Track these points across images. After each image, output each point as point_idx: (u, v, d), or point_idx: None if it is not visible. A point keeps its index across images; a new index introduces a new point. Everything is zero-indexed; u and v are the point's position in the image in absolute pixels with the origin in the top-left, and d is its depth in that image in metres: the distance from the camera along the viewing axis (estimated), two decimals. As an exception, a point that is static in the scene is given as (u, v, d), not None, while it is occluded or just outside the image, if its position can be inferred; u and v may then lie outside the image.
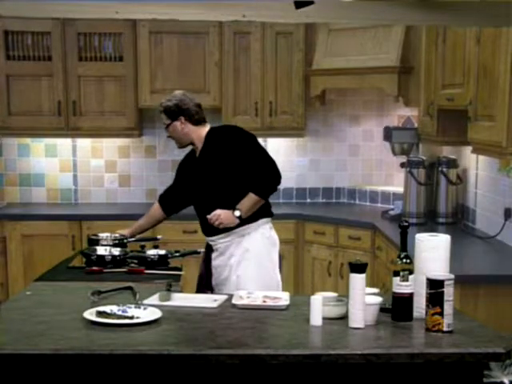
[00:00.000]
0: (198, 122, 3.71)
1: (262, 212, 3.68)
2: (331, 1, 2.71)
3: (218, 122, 5.65)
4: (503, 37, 3.34)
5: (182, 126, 3.68)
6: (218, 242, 3.68)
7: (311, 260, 5.31)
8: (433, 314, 2.41)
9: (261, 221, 3.68)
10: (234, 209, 3.57)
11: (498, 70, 3.43)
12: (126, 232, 3.89)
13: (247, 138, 3.66)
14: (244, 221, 3.60)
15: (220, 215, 3.57)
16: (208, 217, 3.59)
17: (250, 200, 3.59)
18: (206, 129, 3.73)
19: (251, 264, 3.62)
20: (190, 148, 3.85)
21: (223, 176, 3.61)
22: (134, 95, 5.47)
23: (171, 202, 3.94)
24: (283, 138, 5.78)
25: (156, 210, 3.98)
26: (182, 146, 3.81)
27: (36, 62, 5.39)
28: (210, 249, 3.76)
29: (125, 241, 3.79)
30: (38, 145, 5.80)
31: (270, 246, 3.72)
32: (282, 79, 5.54)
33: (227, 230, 3.62)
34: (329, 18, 2.98)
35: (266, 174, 3.62)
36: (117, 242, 3.75)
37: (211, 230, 3.66)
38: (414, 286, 2.53)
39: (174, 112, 3.67)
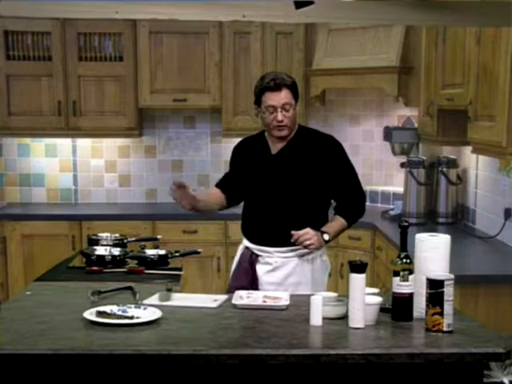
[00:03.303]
0: None
1: None
2: (331, 1, 2.72)
3: (218, 122, 5.69)
4: (503, 37, 3.34)
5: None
6: (275, 255, 3.27)
7: (311, 260, 5.30)
8: (433, 314, 2.41)
9: None
10: (321, 231, 3.20)
11: (497, 70, 3.43)
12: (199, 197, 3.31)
13: (346, 155, 3.32)
14: None
15: (314, 236, 3.15)
16: (297, 232, 3.13)
17: (340, 225, 3.28)
18: None
19: (309, 289, 3.20)
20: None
21: (308, 186, 3.22)
22: (133, 95, 5.47)
23: (232, 191, 3.42)
24: (283, 137, 5.77)
25: (217, 194, 3.45)
26: (286, 135, 3.23)
27: (36, 61, 5.39)
28: (250, 257, 3.36)
29: (125, 241, 3.79)
30: (38, 145, 5.80)
31: (324, 269, 3.39)
32: (282, 79, 5.53)
33: (291, 244, 3.19)
34: (329, 18, 2.98)
35: (360, 201, 3.33)
36: (117, 242, 3.75)
37: (270, 239, 3.27)
38: (414, 286, 2.53)
39: (297, 93, 3.20)
